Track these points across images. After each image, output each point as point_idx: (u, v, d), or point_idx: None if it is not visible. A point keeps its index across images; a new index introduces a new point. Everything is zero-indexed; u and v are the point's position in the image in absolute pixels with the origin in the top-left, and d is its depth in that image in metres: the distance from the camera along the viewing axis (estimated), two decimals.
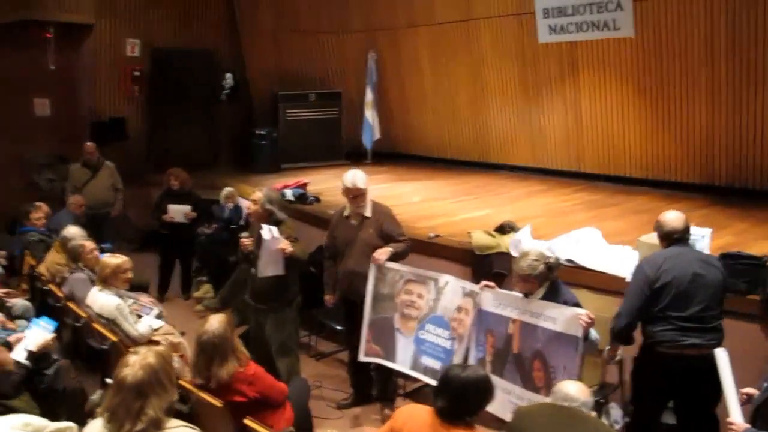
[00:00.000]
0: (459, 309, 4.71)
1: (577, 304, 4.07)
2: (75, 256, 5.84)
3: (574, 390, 3.12)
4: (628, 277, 5.30)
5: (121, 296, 5.22)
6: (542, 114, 10.00)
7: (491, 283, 4.55)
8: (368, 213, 5.33)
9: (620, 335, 4.22)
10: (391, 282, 5.14)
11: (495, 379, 3.85)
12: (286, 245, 4.95)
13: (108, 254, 5.46)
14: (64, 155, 9.95)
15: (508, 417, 3.91)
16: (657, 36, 8.38)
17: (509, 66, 10.13)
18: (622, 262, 5.63)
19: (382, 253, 5.16)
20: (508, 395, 4.21)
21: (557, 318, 3.95)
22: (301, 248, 5.16)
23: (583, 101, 9.44)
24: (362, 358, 5.26)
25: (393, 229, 5.36)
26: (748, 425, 3.15)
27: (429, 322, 4.92)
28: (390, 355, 5.11)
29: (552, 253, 5.65)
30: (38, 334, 4.54)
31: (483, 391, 3.23)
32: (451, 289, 4.84)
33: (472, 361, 4.54)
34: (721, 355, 3.49)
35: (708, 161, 8.44)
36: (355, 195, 5.29)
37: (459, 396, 3.15)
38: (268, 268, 5.04)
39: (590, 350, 4.02)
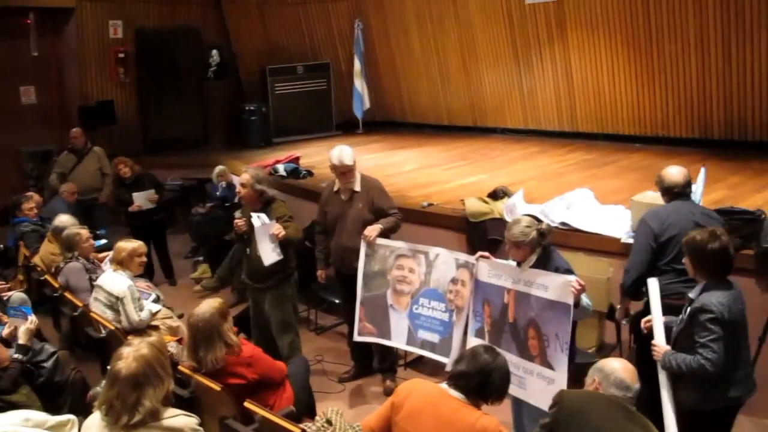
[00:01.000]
0: (454, 281, 4.69)
1: (569, 270, 4.05)
2: (71, 245, 5.81)
3: (628, 376, 2.98)
4: (623, 237, 5.33)
5: (132, 279, 5.25)
6: (533, 75, 9.92)
7: (486, 254, 4.54)
8: (357, 187, 5.29)
9: (630, 290, 4.34)
10: (382, 258, 5.11)
11: None
12: (278, 230, 4.90)
13: (125, 240, 5.45)
14: (53, 148, 9.88)
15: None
16: None
17: (497, 28, 10.03)
18: (615, 222, 5.63)
19: (372, 230, 5.11)
20: None
21: (549, 286, 3.94)
22: (294, 228, 5.11)
23: (572, 60, 9.36)
24: (357, 337, 5.26)
25: (384, 203, 5.31)
26: (668, 347, 3.61)
27: (422, 296, 4.91)
28: (384, 332, 5.10)
29: (545, 218, 5.67)
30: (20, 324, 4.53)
31: (506, 378, 3.16)
32: (443, 260, 4.82)
33: (470, 332, 4.54)
34: (653, 284, 3.84)
35: (702, 115, 8.40)
36: (343, 171, 5.24)
37: (486, 379, 3.07)
38: (268, 256, 4.97)
39: (582, 316, 4.02)
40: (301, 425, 3.31)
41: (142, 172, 8.09)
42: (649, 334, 3.78)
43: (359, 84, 11.22)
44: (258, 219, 4.93)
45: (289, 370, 4.22)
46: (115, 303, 5.03)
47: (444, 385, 3.14)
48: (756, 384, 3.68)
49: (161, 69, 11.21)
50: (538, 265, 4.04)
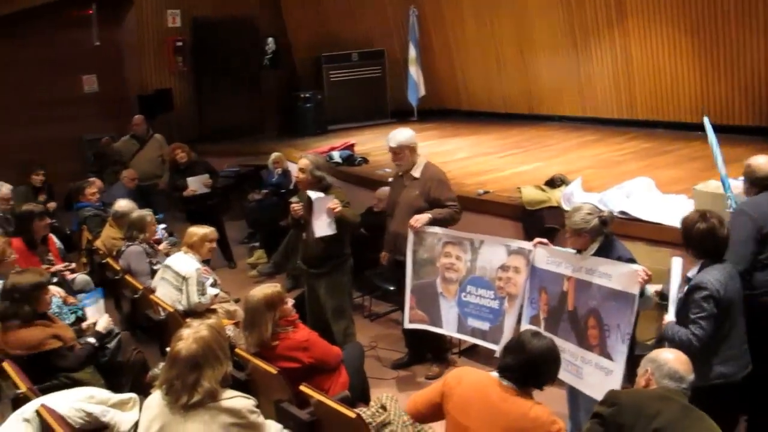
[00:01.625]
0: (504, 267, 4.64)
1: (632, 260, 3.96)
2: (142, 225, 5.92)
3: (681, 367, 2.89)
4: None
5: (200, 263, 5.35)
6: (591, 62, 9.72)
7: (544, 240, 4.48)
8: (417, 174, 5.25)
9: None
10: (430, 246, 5.08)
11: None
12: (335, 204, 4.90)
13: (195, 226, 5.56)
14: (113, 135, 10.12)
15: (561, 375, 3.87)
16: None
17: (554, 14, 9.85)
18: (676, 211, 5.48)
19: (419, 219, 5.08)
20: (562, 353, 4.14)
21: (612, 275, 3.85)
22: (352, 212, 5.11)
23: (632, 46, 9.13)
24: (407, 325, 5.24)
25: (440, 194, 5.20)
26: (673, 319, 3.65)
27: (469, 284, 4.87)
28: (435, 320, 5.08)
29: (604, 207, 5.55)
30: (98, 314, 4.68)
31: (556, 361, 3.07)
32: (488, 248, 4.77)
33: (524, 319, 4.49)
34: (676, 262, 3.77)
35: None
36: (394, 153, 5.24)
37: (535, 366, 2.99)
38: (321, 229, 4.97)
39: (645, 307, 3.92)
40: (355, 410, 3.32)
41: (197, 158, 8.24)
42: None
43: (414, 71, 11.17)
44: (316, 193, 4.94)
45: (344, 355, 4.23)
46: (181, 283, 5.12)
47: (495, 374, 3.09)
48: (751, 361, 3.64)
49: (217, 57, 11.36)
50: (599, 253, 3.97)
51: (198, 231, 5.41)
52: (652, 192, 6.04)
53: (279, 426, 3.08)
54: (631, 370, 3.73)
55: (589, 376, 3.97)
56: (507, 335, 4.59)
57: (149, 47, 11.09)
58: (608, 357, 3.86)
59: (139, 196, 7.84)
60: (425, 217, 5.08)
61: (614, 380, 3.77)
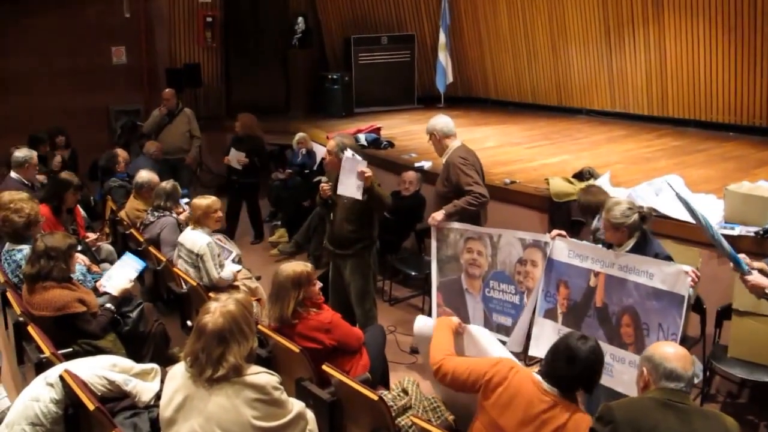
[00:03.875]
0: (522, 261, 4.59)
1: (669, 257, 3.90)
2: (174, 194, 5.98)
3: (679, 364, 2.68)
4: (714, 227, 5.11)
5: (212, 235, 5.33)
6: (624, 56, 9.60)
7: (562, 232, 4.42)
8: (444, 159, 5.22)
9: None
10: (454, 242, 5.04)
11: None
12: (367, 169, 4.75)
13: (198, 197, 5.53)
14: (141, 108, 10.13)
15: None
16: None
17: (590, 6, 9.72)
18: (706, 211, 5.39)
19: (437, 215, 5.03)
20: None
21: (655, 274, 3.77)
22: (383, 191, 5.01)
23: (668, 43, 9.00)
24: None
25: (458, 178, 5.02)
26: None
27: (492, 279, 4.84)
28: (463, 317, 4.99)
29: (642, 202, 5.49)
30: (121, 277, 4.67)
31: (600, 368, 2.97)
32: (507, 241, 4.72)
33: (539, 312, 4.44)
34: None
35: None
36: (430, 138, 5.20)
37: (590, 371, 2.91)
38: (346, 189, 4.85)
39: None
40: (377, 392, 3.30)
41: (254, 134, 8.39)
42: None
43: (443, 57, 11.09)
44: (352, 152, 4.83)
45: (366, 338, 4.22)
46: (195, 260, 5.12)
47: (538, 377, 2.99)
48: None
49: (247, 34, 11.34)
50: (636, 249, 3.90)
51: (201, 203, 5.32)
52: (681, 190, 5.95)
53: (302, 404, 3.06)
54: None
55: (622, 374, 3.92)
56: (520, 329, 4.56)
57: (179, 21, 11.07)
58: None
59: (167, 169, 7.87)
60: (440, 213, 5.03)
61: None
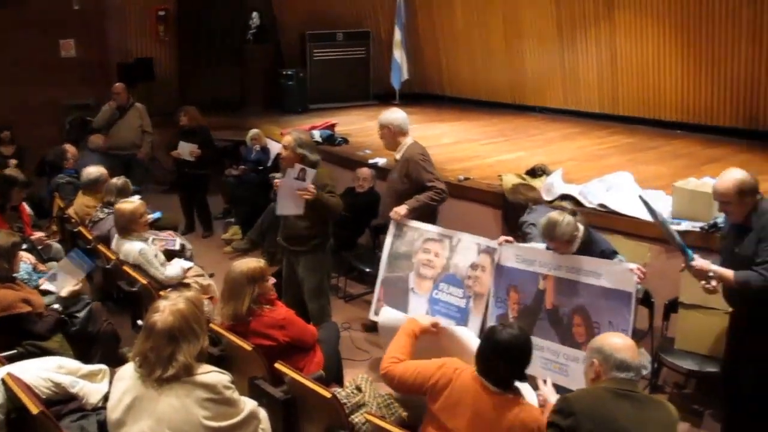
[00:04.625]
0: (474, 266, 4.62)
1: (615, 252, 3.97)
2: (126, 189, 5.88)
3: (628, 354, 2.77)
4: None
5: (144, 239, 5.22)
6: (576, 55, 9.72)
7: (509, 238, 4.47)
8: (398, 155, 5.22)
9: None
10: (410, 240, 5.05)
11: None
12: (306, 192, 4.70)
13: (121, 201, 5.40)
14: (92, 102, 9.92)
15: (537, 373, 3.88)
16: None
17: (543, 3, 9.81)
18: (655, 207, 5.50)
19: (400, 210, 5.06)
20: (540, 352, 4.14)
21: (602, 273, 3.83)
22: (329, 198, 4.90)
23: (618, 41, 9.14)
24: (372, 316, 5.21)
25: (419, 174, 5.11)
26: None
27: (443, 281, 4.86)
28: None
29: (584, 199, 5.59)
30: (68, 277, 4.56)
31: (527, 350, 2.99)
32: (464, 246, 4.75)
33: (491, 318, 4.47)
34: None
35: (750, 105, 8.15)
36: (379, 131, 5.22)
37: (511, 362, 2.94)
38: (284, 207, 4.85)
39: None
40: (331, 390, 3.29)
41: (201, 127, 8.31)
42: None
43: (398, 54, 11.07)
44: (298, 171, 4.77)
45: (320, 335, 4.21)
46: (136, 268, 5.03)
47: (480, 376, 3.00)
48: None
49: (201, 29, 11.20)
50: (582, 248, 3.95)
51: (125, 208, 5.16)
52: (631, 186, 6.07)
53: (254, 402, 3.03)
54: None
55: (577, 372, 3.94)
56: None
57: (132, 14, 10.87)
58: None
59: (118, 166, 7.72)
60: (403, 208, 5.05)
61: None
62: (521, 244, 4.43)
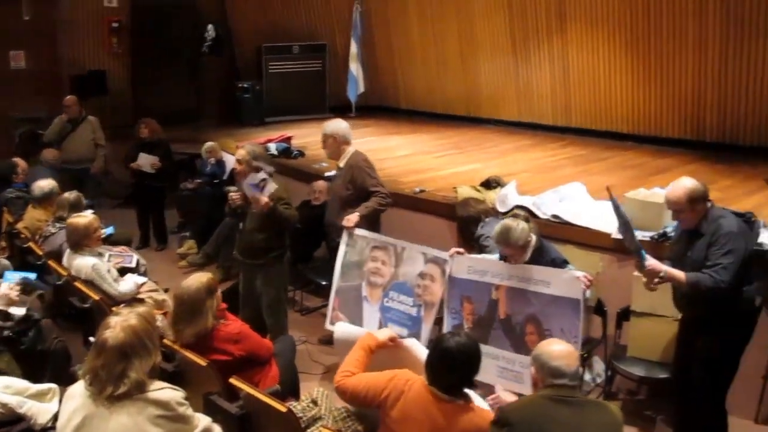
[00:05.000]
0: (422, 275, 4.66)
1: (565, 261, 4.04)
2: (78, 204, 5.74)
3: (562, 362, 2.81)
4: (614, 233, 5.32)
5: (98, 254, 5.14)
6: (529, 68, 9.87)
7: (461, 249, 4.52)
8: (343, 164, 5.29)
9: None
10: (360, 249, 5.07)
11: None
12: (263, 202, 4.80)
13: (74, 215, 5.31)
14: (43, 115, 9.72)
15: (494, 381, 3.92)
16: None
17: (497, 17, 9.96)
18: (607, 217, 5.61)
19: (350, 220, 5.09)
20: (496, 360, 4.19)
21: (551, 282, 3.90)
22: (285, 209, 4.96)
23: (570, 54, 9.32)
24: (328, 326, 5.21)
25: (363, 181, 5.24)
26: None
27: (392, 290, 4.87)
28: (356, 323, 5.03)
29: (537, 210, 5.67)
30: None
31: (475, 357, 3.04)
32: (409, 255, 4.79)
33: (447, 329, 4.50)
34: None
35: (697, 117, 8.38)
36: (322, 141, 5.32)
37: (458, 371, 2.98)
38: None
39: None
40: (286, 404, 3.27)
41: (162, 140, 8.26)
42: None
43: (354, 67, 11.13)
44: (260, 179, 4.82)
45: (275, 348, 4.18)
46: (89, 283, 4.95)
47: (431, 386, 3.04)
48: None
49: (155, 41, 11.04)
50: (534, 256, 4.01)
51: (78, 223, 5.08)
52: (584, 197, 6.18)
53: (208, 419, 3.00)
54: None
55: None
56: (424, 343, 4.63)
57: (84, 26, 10.68)
58: None
59: (70, 180, 7.57)
60: (355, 216, 5.09)
61: None
62: (473, 255, 4.48)
